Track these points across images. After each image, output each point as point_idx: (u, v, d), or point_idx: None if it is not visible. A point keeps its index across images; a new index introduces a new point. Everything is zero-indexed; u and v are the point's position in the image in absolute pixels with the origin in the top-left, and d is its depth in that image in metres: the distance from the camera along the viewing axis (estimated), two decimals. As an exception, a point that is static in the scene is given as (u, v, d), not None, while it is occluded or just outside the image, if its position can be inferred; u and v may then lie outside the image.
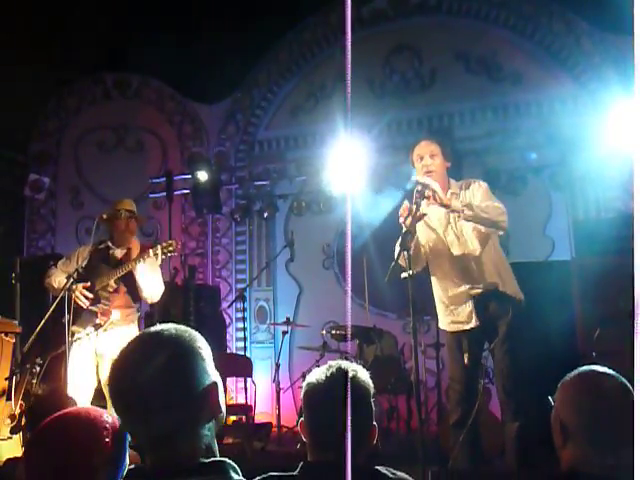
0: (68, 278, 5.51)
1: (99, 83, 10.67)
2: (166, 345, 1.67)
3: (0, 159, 9.63)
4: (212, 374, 1.72)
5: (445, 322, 4.76)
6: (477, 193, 4.61)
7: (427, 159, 4.64)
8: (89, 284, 5.52)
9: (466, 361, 4.55)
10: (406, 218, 4.24)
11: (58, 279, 5.73)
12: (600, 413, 2.05)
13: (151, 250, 5.40)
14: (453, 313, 4.66)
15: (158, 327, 1.74)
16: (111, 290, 5.61)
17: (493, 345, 4.59)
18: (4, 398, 5.29)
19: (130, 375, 1.65)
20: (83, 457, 1.86)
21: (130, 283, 5.69)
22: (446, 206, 4.45)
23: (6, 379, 5.30)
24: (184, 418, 1.63)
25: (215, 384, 1.71)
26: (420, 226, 4.67)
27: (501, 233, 4.61)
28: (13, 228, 9.91)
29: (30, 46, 9.78)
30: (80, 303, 5.43)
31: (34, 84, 9.76)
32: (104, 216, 5.74)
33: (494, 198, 4.62)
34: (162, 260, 5.50)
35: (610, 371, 2.14)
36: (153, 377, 1.61)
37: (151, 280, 5.61)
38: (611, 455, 2.02)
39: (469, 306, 4.58)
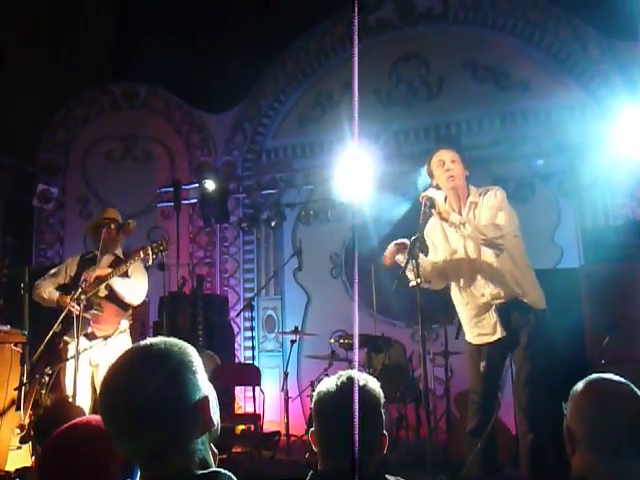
0: (64, 289, 5.55)
1: (107, 93, 10.70)
2: (155, 360, 1.65)
3: (8, 170, 9.66)
4: (203, 387, 1.69)
5: (471, 335, 4.71)
6: (489, 204, 4.60)
7: (449, 164, 4.67)
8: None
9: (482, 369, 4.52)
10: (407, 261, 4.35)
11: (48, 290, 5.76)
12: (605, 420, 2.05)
13: (142, 251, 5.46)
14: (478, 325, 4.63)
15: (148, 341, 1.72)
16: (102, 296, 5.63)
17: (514, 355, 4.56)
18: (14, 408, 5.30)
19: (119, 392, 1.63)
20: (97, 465, 1.86)
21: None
22: (444, 220, 4.47)
23: (15, 389, 5.31)
24: (176, 433, 1.61)
25: (206, 398, 1.68)
26: (439, 240, 4.73)
27: (497, 253, 4.58)
28: (22, 238, 9.93)
29: (38, 57, 9.84)
30: (72, 310, 5.41)
31: (42, 95, 9.81)
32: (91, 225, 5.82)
33: (507, 209, 4.61)
34: (153, 260, 5.55)
35: (618, 378, 2.14)
36: (143, 393, 1.59)
37: (129, 286, 5.70)
38: (618, 463, 2.01)
39: (493, 317, 4.55)
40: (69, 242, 10.41)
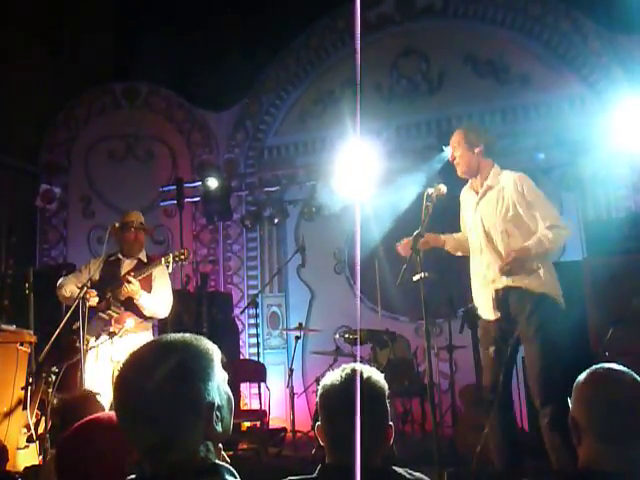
0: (81, 287, 5.55)
1: (108, 93, 10.72)
2: (165, 358, 1.64)
3: (11, 170, 9.68)
4: (213, 393, 1.66)
5: (476, 306, 4.74)
6: (524, 203, 4.71)
7: (453, 151, 4.76)
8: (95, 292, 5.53)
9: (491, 353, 4.50)
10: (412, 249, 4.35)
11: (69, 288, 5.77)
12: (609, 409, 2.06)
13: (163, 258, 5.47)
14: (479, 299, 4.62)
15: (168, 337, 1.72)
16: (122, 299, 5.64)
17: (520, 336, 4.47)
18: (20, 407, 5.32)
19: (126, 382, 1.64)
20: (117, 459, 1.87)
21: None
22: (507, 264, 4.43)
23: (22, 389, 5.32)
24: (173, 432, 1.60)
25: (212, 406, 1.65)
26: (469, 213, 4.77)
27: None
28: (25, 239, 9.95)
29: (39, 57, 9.85)
30: (90, 303, 5.44)
31: (43, 95, 9.83)
32: (116, 225, 5.79)
33: (540, 198, 4.77)
34: (173, 268, 5.55)
35: (621, 367, 2.15)
36: (145, 388, 1.59)
37: (153, 304, 5.70)
38: (623, 451, 2.02)
39: (491, 297, 4.52)
40: (72, 241, 10.44)
